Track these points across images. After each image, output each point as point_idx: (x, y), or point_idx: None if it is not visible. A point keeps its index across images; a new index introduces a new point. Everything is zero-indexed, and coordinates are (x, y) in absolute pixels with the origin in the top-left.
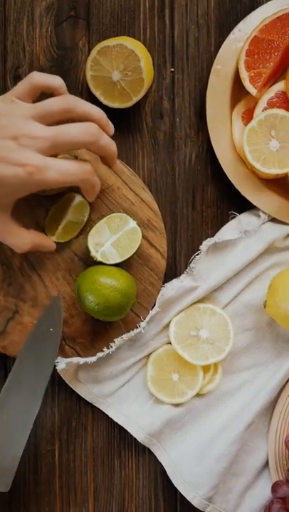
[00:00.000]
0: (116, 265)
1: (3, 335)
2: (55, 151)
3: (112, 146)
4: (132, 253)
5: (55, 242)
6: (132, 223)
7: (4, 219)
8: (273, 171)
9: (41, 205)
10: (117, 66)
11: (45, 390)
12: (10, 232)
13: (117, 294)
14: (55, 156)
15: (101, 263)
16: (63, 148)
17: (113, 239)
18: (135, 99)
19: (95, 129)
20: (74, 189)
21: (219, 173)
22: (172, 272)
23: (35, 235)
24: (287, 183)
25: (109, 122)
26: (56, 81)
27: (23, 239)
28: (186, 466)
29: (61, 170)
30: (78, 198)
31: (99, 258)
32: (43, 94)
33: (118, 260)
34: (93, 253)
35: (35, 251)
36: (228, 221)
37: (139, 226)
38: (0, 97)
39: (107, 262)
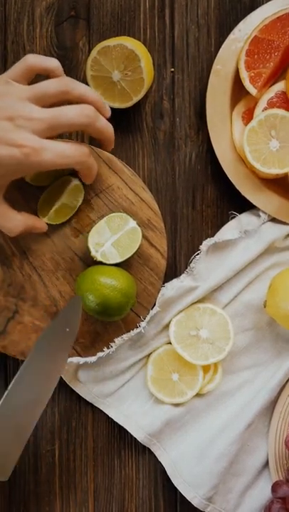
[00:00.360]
0: (116, 265)
1: (3, 335)
2: (51, 132)
3: (108, 128)
4: (132, 253)
5: (46, 224)
6: (132, 223)
7: None
8: (273, 170)
9: (36, 197)
10: (117, 66)
11: (53, 390)
12: (2, 215)
13: (117, 294)
14: (51, 138)
15: (101, 263)
16: (60, 129)
17: (113, 239)
18: (135, 99)
19: (91, 111)
20: (71, 172)
21: (219, 173)
22: (172, 272)
23: (27, 217)
24: (287, 183)
25: (106, 105)
26: (52, 63)
27: (14, 221)
28: (186, 465)
29: (57, 151)
30: (74, 182)
31: (99, 258)
32: (39, 76)
33: (118, 260)
34: (93, 253)
35: (26, 233)
36: (228, 221)
37: (139, 226)
38: None
39: (108, 262)
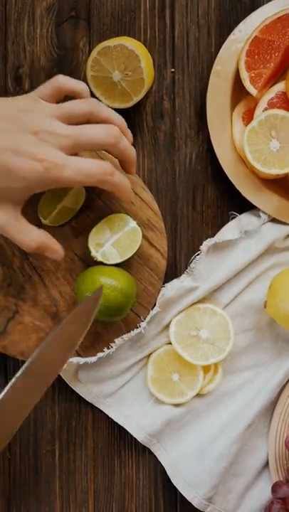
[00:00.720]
0: (116, 265)
1: (3, 335)
2: (75, 149)
3: (131, 151)
4: (132, 253)
5: (46, 225)
6: (132, 223)
7: (15, 214)
8: (274, 171)
9: (37, 197)
10: (117, 66)
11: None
12: (19, 229)
13: (117, 294)
14: (75, 155)
15: (101, 263)
16: (84, 147)
17: (113, 239)
18: (136, 99)
19: (116, 132)
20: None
21: (219, 173)
22: (172, 272)
23: (45, 236)
24: (288, 183)
25: (129, 130)
26: (80, 86)
27: (31, 236)
28: (186, 466)
29: (79, 168)
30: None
31: (99, 258)
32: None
33: (118, 260)
34: (93, 253)
35: (42, 252)
36: (228, 221)
37: (140, 226)
38: (23, 96)
39: (108, 262)
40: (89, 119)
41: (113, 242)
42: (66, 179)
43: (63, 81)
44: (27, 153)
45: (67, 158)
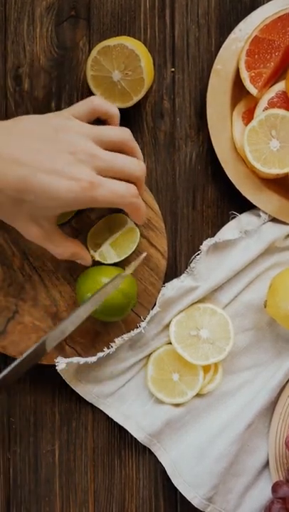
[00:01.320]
0: (115, 265)
1: (3, 335)
2: (106, 174)
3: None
4: (129, 253)
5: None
6: (130, 223)
7: (50, 229)
8: (274, 170)
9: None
10: (117, 66)
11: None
12: (54, 242)
13: (118, 294)
14: None
15: (99, 263)
16: (114, 174)
17: (111, 239)
18: (136, 98)
19: (143, 167)
20: None
21: (219, 173)
22: (172, 272)
23: (76, 246)
24: (288, 183)
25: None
26: (114, 109)
27: (65, 248)
28: (186, 466)
29: (113, 190)
30: None
31: (97, 258)
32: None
33: (116, 260)
34: (92, 253)
35: (73, 259)
36: (228, 221)
37: (138, 226)
38: (55, 113)
39: (105, 262)
40: (119, 148)
41: (111, 242)
42: (100, 199)
43: (99, 103)
44: (64, 172)
45: (102, 178)
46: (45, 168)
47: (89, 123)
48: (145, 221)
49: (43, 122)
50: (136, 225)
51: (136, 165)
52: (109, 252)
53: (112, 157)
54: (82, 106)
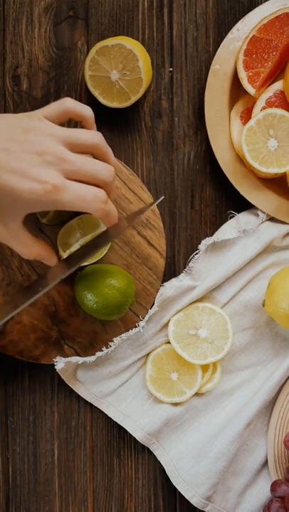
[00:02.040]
0: (82, 268)
1: (2, 334)
2: (74, 177)
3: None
4: (100, 257)
5: (44, 224)
6: (103, 226)
7: (16, 229)
8: (272, 170)
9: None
10: (115, 66)
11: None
12: (20, 242)
13: (116, 293)
14: None
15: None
16: (83, 178)
17: (82, 240)
18: (134, 98)
19: (113, 173)
20: None
21: (218, 173)
22: (171, 272)
23: (44, 248)
24: (286, 182)
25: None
26: (87, 111)
27: (31, 249)
28: (185, 465)
29: (79, 194)
30: None
31: (65, 257)
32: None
33: (90, 262)
34: (60, 252)
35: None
36: (226, 220)
37: (137, 226)
38: (27, 113)
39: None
40: (90, 152)
41: (82, 244)
42: (66, 203)
43: (71, 105)
44: (29, 174)
45: (68, 182)
46: (9, 168)
47: (63, 125)
48: (143, 221)
49: (13, 122)
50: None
51: (105, 170)
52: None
53: (80, 160)
54: (55, 107)
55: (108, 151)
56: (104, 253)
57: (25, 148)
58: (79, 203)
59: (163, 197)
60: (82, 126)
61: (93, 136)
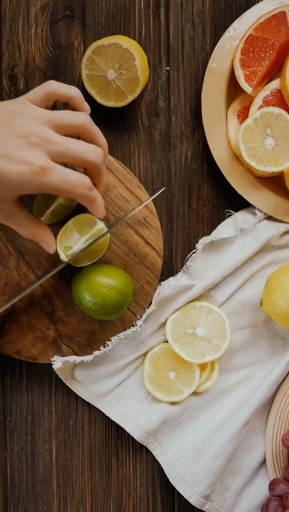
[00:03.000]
0: (80, 268)
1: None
2: (60, 159)
3: (104, 178)
4: (101, 255)
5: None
6: (100, 224)
7: (11, 210)
8: (269, 168)
9: (33, 195)
10: (112, 65)
11: None
12: (16, 222)
13: (114, 293)
14: None
15: (70, 265)
16: (69, 160)
17: (82, 240)
18: (130, 97)
19: (102, 154)
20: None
21: (215, 172)
22: (169, 271)
23: (42, 230)
24: (283, 181)
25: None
26: (72, 90)
27: (29, 229)
28: (183, 464)
29: (64, 176)
30: None
31: (67, 261)
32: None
33: (88, 263)
34: (62, 257)
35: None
36: (224, 219)
37: (107, 227)
38: (12, 100)
39: (77, 265)
40: (77, 133)
41: (83, 243)
42: (51, 185)
43: (55, 87)
44: (15, 156)
45: (54, 164)
46: None
47: (50, 108)
48: (141, 220)
49: None
50: (105, 225)
51: (92, 151)
52: (80, 256)
53: (66, 141)
54: (38, 90)
55: (96, 130)
56: (103, 253)
57: (10, 132)
58: (65, 186)
59: (164, 188)
60: (71, 108)
61: (79, 117)
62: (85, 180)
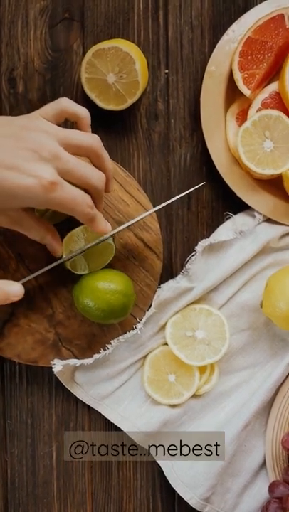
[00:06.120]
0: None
1: None
2: (65, 178)
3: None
4: (101, 266)
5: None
6: (109, 239)
7: (18, 216)
8: (268, 171)
9: None
10: (112, 68)
11: None
12: (23, 226)
13: (118, 296)
14: None
15: (70, 271)
16: (74, 180)
17: (86, 248)
18: (130, 101)
19: (104, 180)
20: None
21: (214, 174)
22: (168, 273)
23: (49, 232)
24: (282, 183)
25: (112, 181)
26: (83, 111)
27: (35, 232)
28: (183, 466)
29: (70, 194)
30: None
31: (68, 266)
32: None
33: (86, 271)
34: (64, 261)
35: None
36: (223, 222)
37: (114, 243)
38: (26, 115)
39: (76, 272)
40: (86, 154)
41: (84, 253)
42: (57, 201)
43: (67, 105)
44: (25, 169)
45: (63, 181)
46: (5, 164)
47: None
48: (140, 223)
49: (10, 121)
50: (113, 241)
51: (97, 176)
52: (81, 263)
53: (75, 161)
54: (51, 107)
55: (104, 154)
56: (108, 261)
57: (20, 144)
58: (70, 203)
59: (204, 183)
60: (77, 127)
61: (90, 138)
62: (88, 199)
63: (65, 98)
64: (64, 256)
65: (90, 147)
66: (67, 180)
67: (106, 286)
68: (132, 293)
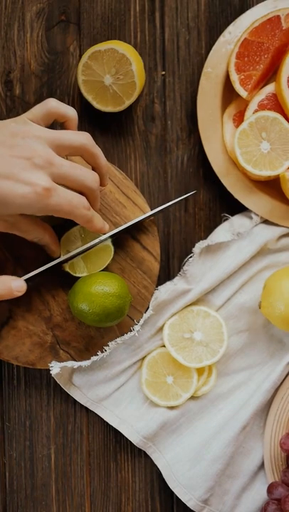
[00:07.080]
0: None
1: None
2: (59, 181)
3: (97, 203)
4: (100, 269)
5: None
6: (104, 236)
7: (15, 220)
8: (265, 172)
9: None
10: (108, 70)
11: None
12: (22, 230)
13: (113, 299)
14: None
15: (69, 274)
16: (69, 183)
17: (83, 249)
18: (128, 102)
19: (98, 180)
20: None
21: (211, 176)
22: (165, 275)
23: (47, 233)
24: (279, 184)
25: (108, 176)
26: (71, 112)
27: (33, 234)
28: (181, 468)
29: (66, 199)
30: None
31: (67, 268)
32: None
33: (84, 274)
34: (64, 260)
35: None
36: (220, 223)
37: (113, 244)
38: (13, 119)
39: (74, 274)
40: (79, 153)
41: (83, 255)
42: (53, 207)
43: (55, 105)
44: (20, 178)
45: (57, 186)
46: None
47: (48, 126)
48: (137, 224)
49: (0, 128)
50: (112, 242)
51: (91, 177)
52: (79, 265)
53: (68, 165)
54: (39, 109)
55: (96, 151)
56: (107, 263)
57: (14, 152)
58: (67, 207)
59: (195, 191)
60: (65, 127)
61: (81, 137)
62: (84, 201)
63: (52, 99)
64: (62, 256)
65: (82, 146)
66: (61, 184)
67: (100, 290)
68: (126, 294)
